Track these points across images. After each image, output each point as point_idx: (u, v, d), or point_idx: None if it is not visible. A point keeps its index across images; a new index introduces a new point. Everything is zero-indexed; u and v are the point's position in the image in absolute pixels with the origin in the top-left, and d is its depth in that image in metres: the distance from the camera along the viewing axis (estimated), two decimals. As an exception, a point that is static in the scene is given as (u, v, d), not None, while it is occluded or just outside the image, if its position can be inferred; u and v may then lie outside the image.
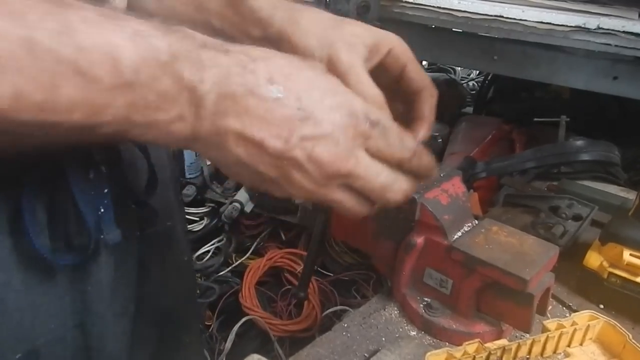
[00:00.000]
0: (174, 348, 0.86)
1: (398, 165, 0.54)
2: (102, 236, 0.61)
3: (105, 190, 0.60)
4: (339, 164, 0.48)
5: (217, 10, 0.65)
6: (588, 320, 0.73)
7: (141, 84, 0.42)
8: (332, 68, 0.59)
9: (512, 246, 0.71)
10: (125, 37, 0.41)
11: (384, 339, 0.76)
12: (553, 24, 1.12)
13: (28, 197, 0.53)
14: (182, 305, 0.90)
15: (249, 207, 1.92)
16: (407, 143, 0.53)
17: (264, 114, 0.45)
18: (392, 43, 0.64)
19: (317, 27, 0.62)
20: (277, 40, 0.62)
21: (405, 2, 1.22)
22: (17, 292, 0.56)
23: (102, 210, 0.60)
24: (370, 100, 0.57)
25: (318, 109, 0.47)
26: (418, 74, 0.66)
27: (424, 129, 0.66)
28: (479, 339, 0.68)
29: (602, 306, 0.83)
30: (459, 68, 2.25)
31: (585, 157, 1.14)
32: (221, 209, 1.95)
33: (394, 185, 0.54)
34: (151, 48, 0.42)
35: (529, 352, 0.70)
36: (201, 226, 1.99)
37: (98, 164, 0.59)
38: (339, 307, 1.74)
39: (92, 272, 0.63)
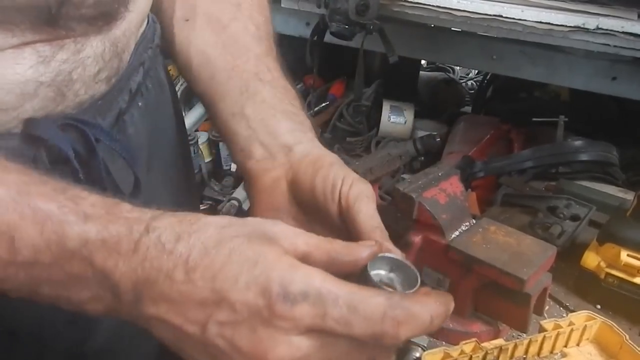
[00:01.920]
0: None
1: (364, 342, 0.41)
2: None
3: None
4: (261, 354, 0.39)
5: (260, 106, 0.62)
6: (585, 320, 0.73)
7: (44, 264, 0.41)
8: (356, 191, 0.53)
9: (509, 246, 0.71)
10: (28, 220, 0.40)
11: (381, 337, 0.76)
12: (552, 24, 1.12)
13: None
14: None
15: (247, 205, 1.92)
16: (369, 314, 0.39)
17: (179, 297, 0.40)
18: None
19: (337, 165, 0.57)
20: (302, 153, 0.59)
21: (405, 1, 1.22)
22: None
23: None
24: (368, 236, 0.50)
25: (232, 289, 0.40)
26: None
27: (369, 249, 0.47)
28: (475, 339, 0.68)
29: (599, 306, 0.83)
30: (458, 67, 2.25)
31: (583, 157, 1.14)
32: (219, 207, 1.95)
33: None
34: (59, 232, 0.41)
35: (526, 352, 0.70)
36: (199, 224, 1.98)
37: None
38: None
39: None
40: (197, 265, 0.40)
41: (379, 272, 0.46)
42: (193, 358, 0.43)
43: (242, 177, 2.11)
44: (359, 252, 0.45)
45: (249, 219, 0.45)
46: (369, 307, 0.39)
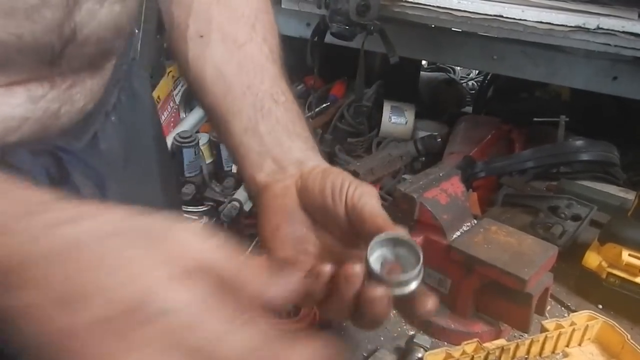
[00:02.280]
0: None
1: None
2: None
3: None
4: None
5: (274, 125, 0.62)
6: (587, 320, 0.73)
7: None
8: (361, 194, 0.53)
9: (511, 246, 0.71)
10: None
11: (382, 338, 0.76)
12: (553, 24, 1.12)
13: None
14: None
15: (248, 206, 1.92)
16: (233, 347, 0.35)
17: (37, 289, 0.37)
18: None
19: (346, 174, 0.57)
20: (312, 166, 0.59)
21: (405, 1, 1.22)
22: None
23: None
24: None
25: (92, 291, 0.36)
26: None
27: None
28: (477, 339, 0.68)
29: (600, 306, 0.83)
30: (459, 67, 2.25)
31: (584, 157, 1.14)
32: (220, 208, 1.95)
33: None
34: None
35: (528, 352, 0.70)
36: (200, 225, 1.99)
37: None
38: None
39: None
40: (64, 258, 0.37)
41: (383, 251, 0.47)
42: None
43: (242, 180, 2.10)
44: (272, 281, 0.39)
45: (155, 218, 0.39)
46: (236, 343, 0.35)
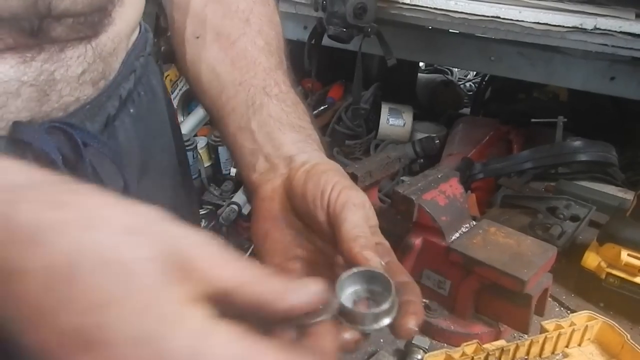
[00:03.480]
0: None
1: None
2: None
3: None
4: None
5: (266, 120, 0.61)
6: (586, 320, 0.73)
7: None
8: (345, 196, 0.50)
9: (510, 247, 0.71)
10: None
11: (382, 340, 0.76)
12: (550, 25, 1.12)
13: None
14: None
15: (246, 209, 1.92)
16: None
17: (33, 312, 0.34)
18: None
19: (333, 172, 0.55)
20: (301, 162, 0.57)
21: (402, 3, 1.22)
22: None
23: None
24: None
25: (106, 329, 0.33)
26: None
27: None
28: (477, 340, 0.68)
29: (602, 304, 0.83)
30: (456, 69, 2.26)
31: (582, 157, 1.14)
32: (219, 211, 1.95)
33: None
34: None
35: (527, 353, 0.70)
36: (199, 228, 1.98)
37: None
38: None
39: None
40: (63, 279, 0.32)
41: (355, 288, 0.44)
42: None
43: (241, 182, 2.11)
44: (293, 298, 0.37)
45: (174, 227, 0.36)
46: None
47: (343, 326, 0.41)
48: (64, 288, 0.32)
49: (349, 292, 0.43)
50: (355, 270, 0.44)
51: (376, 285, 0.44)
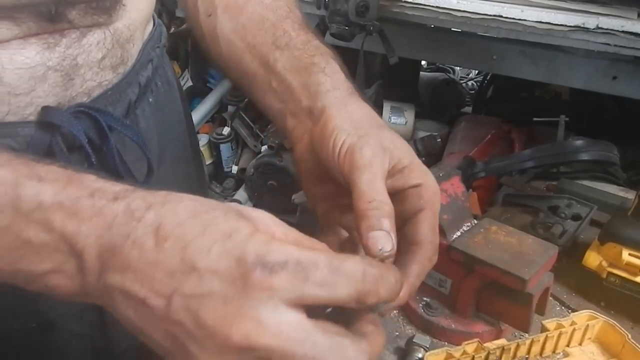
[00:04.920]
0: None
1: (355, 306, 0.39)
2: None
3: None
4: (226, 328, 0.36)
5: (281, 74, 0.62)
6: (587, 320, 0.73)
7: None
8: (350, 158, 0.52)
9: (511, 246, 0.71)
10: None
11: (383, 338, 0.76)
12: (552, 24, 1.12)
13: None
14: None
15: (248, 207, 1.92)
16: (350, 272, 0.38)
17: (146, 267, 0.38)
18: (424, 180, 0.55)
19: (360, 116, 0.57)
20: (318, 114, 0.58)
21: (405, 1, 1.22)
22: None
23: None
24: (366, 206, 0.48)
25: (203, 259, 0.37)
26: (426, 228, 0.53)
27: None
28: (478, 339, 0.68)
29: (603, 303, 0.83)
30: (458, 68, 2.26)
31: (584, 156, 1.14)
32: (220, 209, 1.95)
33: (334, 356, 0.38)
34: (11, 195, 0.39)
35: (528, 352, 0.70)
36: (200, 226, 1.98)
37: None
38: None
39: None
40: (168, 234, 0.38)
41: None
42: (153, 341, 0.40)
43: (242, 179, 2.11)
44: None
45: (228, 203, 0.45)
46: (349, 267, 0.38)
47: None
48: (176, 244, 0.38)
49: None
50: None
51: None
